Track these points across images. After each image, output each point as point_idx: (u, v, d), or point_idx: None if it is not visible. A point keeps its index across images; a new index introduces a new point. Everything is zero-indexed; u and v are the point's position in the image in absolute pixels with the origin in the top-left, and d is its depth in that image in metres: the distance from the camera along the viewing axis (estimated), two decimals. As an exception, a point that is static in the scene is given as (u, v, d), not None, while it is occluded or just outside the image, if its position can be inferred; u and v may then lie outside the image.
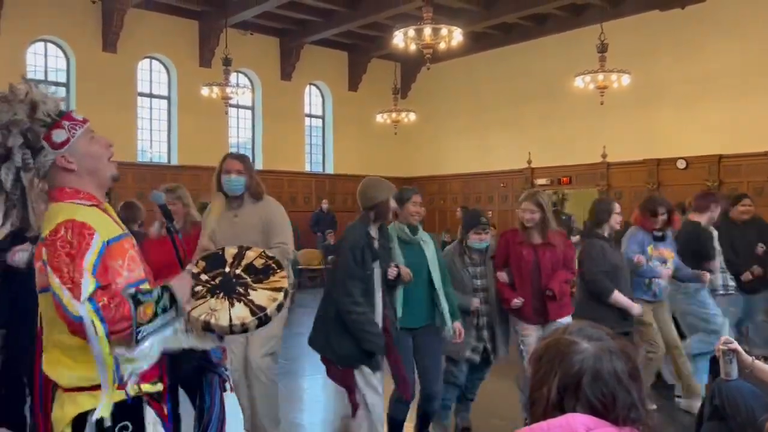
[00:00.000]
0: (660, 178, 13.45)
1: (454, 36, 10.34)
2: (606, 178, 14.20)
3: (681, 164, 13.14)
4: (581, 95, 12.64)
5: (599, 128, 13.87)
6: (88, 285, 1.87)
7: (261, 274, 2.51)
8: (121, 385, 1.98)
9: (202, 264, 2.51)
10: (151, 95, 14.71)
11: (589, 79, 11.76)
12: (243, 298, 2.39)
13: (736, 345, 3.07)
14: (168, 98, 14.88)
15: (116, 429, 1.97)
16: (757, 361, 3.17)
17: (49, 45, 13.36)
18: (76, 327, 1.87)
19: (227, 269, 2.52)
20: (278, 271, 2.53)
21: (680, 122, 13.05)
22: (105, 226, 2.02)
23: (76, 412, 1.96)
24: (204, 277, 2.47)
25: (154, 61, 14.72)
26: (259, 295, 2.41)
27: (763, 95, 11.96)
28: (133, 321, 1.90)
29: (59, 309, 1.88)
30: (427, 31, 10.16)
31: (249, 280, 2.48)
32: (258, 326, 2.38)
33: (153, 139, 14.83)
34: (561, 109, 14.52)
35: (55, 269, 1.89)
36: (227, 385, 3.01)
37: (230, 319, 2.31)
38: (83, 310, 1.84)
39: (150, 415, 2.04)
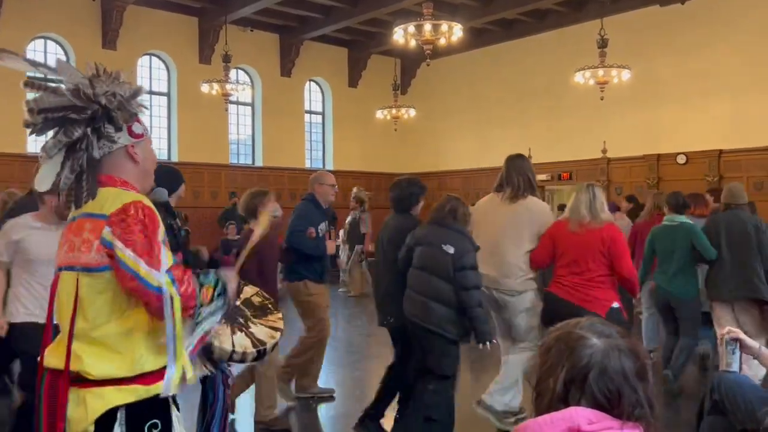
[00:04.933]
0: (660, 174, 13.44)
1: (454, 32, 10.34)
2: (606, 174, 14.21)
3: (681, 159, 13.14)
4: (581, 91, 12.64)
5: (599, 124, 13.86)
6: (167, 258, 1.91)
7: (259, 311, 2.57)
8: (154, 378, 1.95)
9: None
10: (150, 92, 14.68)
11: (589, 75, 11.76)
12: (244, 329, 2.44)
13: (739, 333, 2.99)
14: (168, 95, 14.87)
15: (146, 427, 1.94)
16: (764, 348, 3.12)
17: (49, 42, 13.36)
18: (153, 298, 1.87)
19: None
20: (275, 312, 2.60)
21: (680, 117, 13.05)
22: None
23: (104, 408, 1.89)
24: None
25: (153, 57, 14.70)
26: (259, 330, 2.48)
27: (764, 90, 11.95)
28: (198, 300, 1.93)
29: (132, 281, 1.88)
30: (427, 27, 10.16)
31: (248, 313, 2.53)
32: (254, 359, 2.43)
33: (153, 135, 14.65)
34: (561, 104, 14.52)
35: (128, 243, 1.90)
36: (230, 382, 3.03)
37: (233, 345, 2.34)
38: (164, 281, 1.86)
39: (175, 412, 2.02)
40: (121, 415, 1.90)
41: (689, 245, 5.34)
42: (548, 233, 4.22)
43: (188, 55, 14.70)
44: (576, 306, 3.95)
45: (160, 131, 14.83)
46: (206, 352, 2.40)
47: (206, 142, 14.59)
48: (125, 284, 1.90)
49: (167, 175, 3.93)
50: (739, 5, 12.30)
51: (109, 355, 1.92)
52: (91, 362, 1.91)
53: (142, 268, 1.87)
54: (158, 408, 1.95)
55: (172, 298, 1.87)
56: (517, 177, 4.35)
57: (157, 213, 2.01)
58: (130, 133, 2.09)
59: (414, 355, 4.14)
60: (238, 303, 2.57)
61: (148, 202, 2.02)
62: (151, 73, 14.70)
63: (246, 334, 2.43)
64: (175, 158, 14.59)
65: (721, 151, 12.64)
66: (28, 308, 3.70)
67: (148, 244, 1.90)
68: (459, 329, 3.89)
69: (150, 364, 1.95)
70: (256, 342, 2.41)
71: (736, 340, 2.95)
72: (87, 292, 1.95)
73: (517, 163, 4.43)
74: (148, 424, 1.93)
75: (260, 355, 2.41)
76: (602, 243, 4.02)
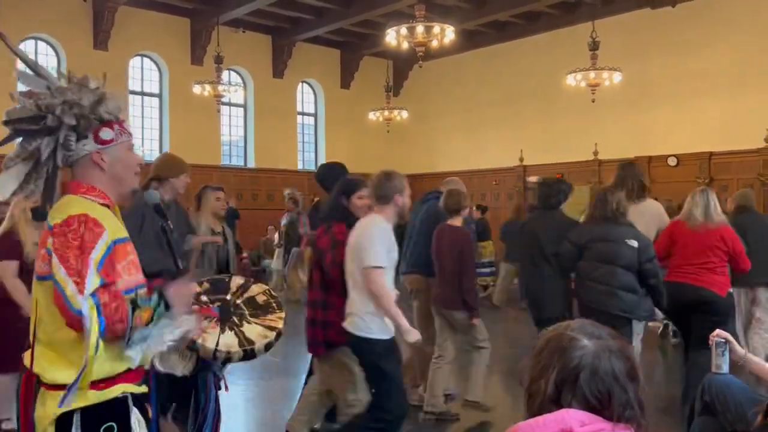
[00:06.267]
0: (651, 176, 13.41)
1: (446, 34, 10.37)
2: (598, 175, 14.24)
3: (672, 161, 13.21)
4: (573, 93, 12.69)
5: (591, 126, 13.92)
6: (92, 280, 1.89)
7: (260, 309, 2.55)
8: (107, 384, 1.96)
9: (206, 285, 2.53)
10: (142, 93, 14.66)
11: (580, 77, 11.82)
12: (235, 328, 2.43)
13: (729, 336, 3.02)
14: (159, 96, 14.84)
15: (101, 429, 1.95)
16: (749, 355, 3.17)
17: (40, 43, 13.29)
18: (75, 321, 1.87)
19: (229, 297, 2.54)
20: (277, 311, 2.57)
21: (671, 120, 13.12)
22: (113, 226, 2.05)
23: (60, 411, 1.93)
24: (204, 298, 2.49)
25: (145, 59, 14.67)
26: (252, 329, 2.46)
27: (754, 93, 12.03)
28: (129, 323, 1.91)
29: (59, 299, 1.88)
30: (420, 29, 10.19)
31: (247, 312, 2.51)
32: (242, 359, 2.43)
33: (144, 137, 14.77)
34: (553, 106, 14.56)
35: (63, 259, 1.89)
36: (222, 384, 3.02)
37: (217, 344, 2.34)
38: (85, 305, 1.85)
39: (135, 416, 2.02)
40: (76, 418, 1.93)
41: None
42: (668, 230, 4.92)
43: (180, 56, 14.67)
44: (699, 287, 4.69)
45: (151, 132, 14.80)
46: (192, 351, 2.40)
47: (198, 143, 14.54)
48: (54, 299, 1.91)
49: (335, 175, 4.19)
50: (730, 8, 12.38)
51: (60, 361, 1.95)
52: (45, 366, 1.96)
53: (69, 289, 1.87)
54: (115, 411, 1.97)
55: (93, 321, 1.86)
56: (631, 181, 5.05)
57: (105, 224, 1.99)
58: (96, 139, 2.07)
59: None
60: (239, 301, 2.56)
61: (96, 213, 1.99)
62: (142, 74, 14.66)
63: (236, 333, 2.43)
64: (166, 159, 14.53)
65: (711, 153, 12.71)
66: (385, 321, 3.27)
67: (82, 263, 1.89)
68: (645, 311, 4.44)
69: (103, 372, 1.95)
70: (244, 342, 2.41)
71: (726, 342, 2.98)
72: (40, 298, 2.00)
73: (629, 170, 5.18)
74: (103, 427, 1.95)
75: (247, 354, 2.42)
76: (723, 242, 4.77)
